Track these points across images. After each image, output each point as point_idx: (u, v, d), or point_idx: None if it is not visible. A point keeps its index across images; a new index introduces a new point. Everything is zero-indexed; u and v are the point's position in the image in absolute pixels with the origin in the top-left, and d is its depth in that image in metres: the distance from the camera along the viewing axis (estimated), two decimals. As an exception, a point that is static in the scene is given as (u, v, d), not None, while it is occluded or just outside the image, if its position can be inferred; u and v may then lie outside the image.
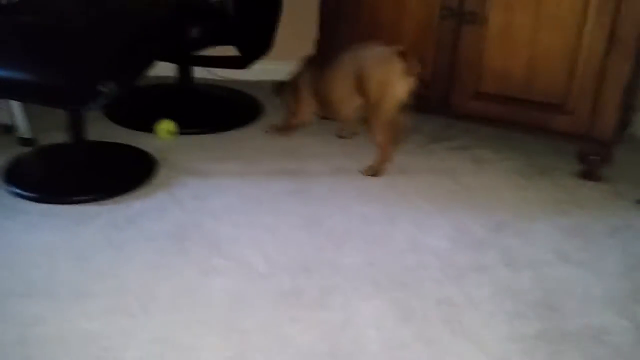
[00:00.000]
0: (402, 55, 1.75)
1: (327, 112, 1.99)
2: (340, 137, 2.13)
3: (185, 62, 2.34)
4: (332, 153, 2.01)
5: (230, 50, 2.17)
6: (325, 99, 1.93)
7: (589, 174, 1.90)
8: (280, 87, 2.14)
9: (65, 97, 1.54)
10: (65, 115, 1.80)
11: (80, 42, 1.55)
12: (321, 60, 1.97)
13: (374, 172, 1.85)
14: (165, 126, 2.06)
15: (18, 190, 1.66)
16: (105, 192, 1.68)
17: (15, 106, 1.97)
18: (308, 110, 2.03)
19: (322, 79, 1.92)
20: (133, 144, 2.00)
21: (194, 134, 2.10)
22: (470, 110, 2.00)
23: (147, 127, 2.09)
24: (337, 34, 2.13)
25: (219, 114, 2.30)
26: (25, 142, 1.97)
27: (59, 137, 1.98)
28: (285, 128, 2.10)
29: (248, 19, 2.08)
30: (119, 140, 2.02)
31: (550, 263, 1.47)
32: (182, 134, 2.09)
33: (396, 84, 1.74)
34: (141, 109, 2.30)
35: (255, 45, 2.19)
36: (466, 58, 1.97)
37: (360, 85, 1.80)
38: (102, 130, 2.09)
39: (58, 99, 1.56)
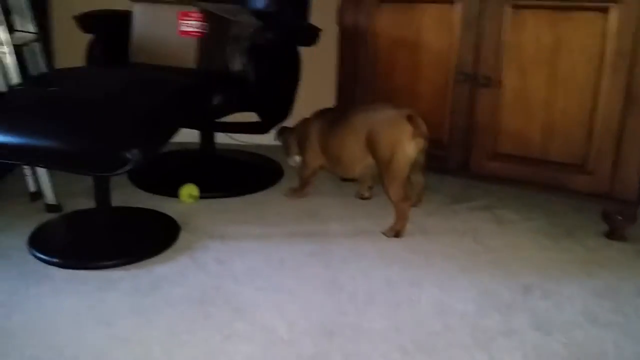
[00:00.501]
0: (410, 118, 1.80)
1: (335, 168, 2.02)
2: (362, 197, 2.15)
3: (208, 129, 2.40)
4: (353, 214, 2.03)
5: (251, 117, 2.23)
6: (335, 155, 1.98)
7: (613, 233, 1.88)
8: (283, 131, 2.19)
9: (93, 164, 1.57)
10: (91, 182, 1.84)
11: (107, 111, 1.60)
12: (332, 115, 2.02)
13: (395, 232, 1.85)
14: (188, 190, 2.10)
15: (43, 256, 1.68)
16: (129, 257, 1.69)
17: (42, 174, 2.02)
18: (315, 160, 2.07)
19: (333, 134, 1.97)
20: (156, 208, 2.03)
21: (216, 198, 2.13)
22: (489, 171, 2.02)
23: (171, 191, 2.13)
24: (353, 98, 2.20)
25: (241, 177, 2.34)
26: (51, 208, 2.01)
27: (85, 203, 2.03)
28: (300, 186, 2.13)
29: (268, 87, 2.15)
30: (142, 205, 2.05)
31: (580, 325, 1.43)
32: (204, 197, 2.12)
33: (405, 145, 1.80)
34: (165, 174, 2.35)
35: (275, 111, 2.25)
36: (482, 120, 2.00)
37: (371, 145, 1.86)
38: (126, 195, 2.13)
39: (86, 166, 1.59)
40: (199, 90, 1.96)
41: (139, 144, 1.54)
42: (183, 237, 1.84)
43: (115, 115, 1.59)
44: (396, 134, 1.80)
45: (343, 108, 2.04)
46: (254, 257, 1.72)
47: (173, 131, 1.73)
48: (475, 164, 2.04)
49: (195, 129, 2.38)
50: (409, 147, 1.79)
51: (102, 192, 1.83)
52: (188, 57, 2.09)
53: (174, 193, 2.12)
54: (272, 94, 2.19)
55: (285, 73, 2.26)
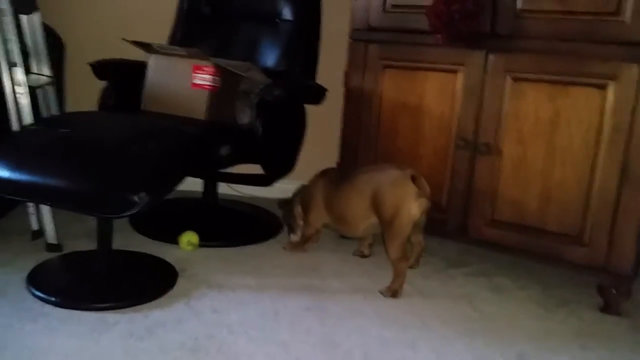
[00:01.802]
0: (414, 178, 1.84)
1: (339, 226, 2.04)
2: (362, 255, 2.17)
3: (212, 178, 2.44)
4: (351, 271, 2.04)
5: (254, 169, 2.27)
6: (339, 214, 2.00)
7: (608, 307, 1.88)
8: (285, 203, 2.21)
9: (100, 205, 1.59)
10: (93, 224, 1.86)
11: (117, 154, 1.63)
12: (337, 175, 2.06)
13: (392, 292, 1.86)
14: (188, 237, 2.11)
15: (40, 294, 1.68)
16: (126, 300, 1.69)
17: (46, 212, 2.03)
18: (319, 219, 2.08)
19: (337, 193, 2.00)
20: (156, 254, 2.04)
21: (215, 247, 2.14)
22: (487, 236, 2.04)
23: (171, 238, 2.14)
24: (356, 156, 2.25)
25: (240, 228, 2.36)
26: (52, 247, 2.02)
27: (85, 244, 2.04)
28: (301, 242, 2.15)
29: (274, 141, 2.20)
30: (142, 250, 2.06)
31: (573, 397, 1.42)
32: (203, 246, 2.13)
33: (410, 204, 1.82)
34: (166, 221, 2.36)
35: (280, 165, 2.29)
36: (481, 186, 2.03)
37: (375, 205, 1.88)
38: (126, 239, 2.14)
39: (92, 206, 1.61)
40: (207, 140, 2.01)
41: (146, 187, 1.57)
42: (180, 284, 1.84)
43: (124, 159, 1.62)
44: (400, 194, 1.83)
45: (347, 168, 2.08)
46: (250, 308, 1.73)
47: (180, 178, 1.76)
48: (473, 229, 2.06)
49: (200, 177, 2.41)
50: (413, 207, 1.82)
51: (104, 234, 1.84)
52: (198, 109, 2.14)
53: (173, 240, 2.13)
54: (278, 147, 2.23)
55: (291, 129, 2.31)
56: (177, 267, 1.94)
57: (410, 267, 1.99)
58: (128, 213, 1.55)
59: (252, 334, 1.58)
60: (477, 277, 2.08)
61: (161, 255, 2.03)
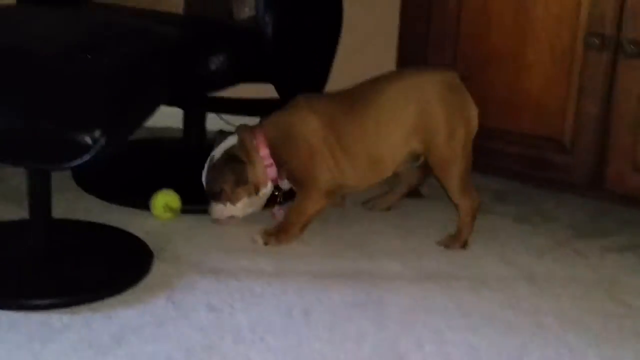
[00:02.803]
0: (465, 79, 1.99)
1: (360, 174, 2.04)
2: (386, 208, 2.26)
3: (198, 107, 2.43)
4: (415, 247, 2.06)
5: (261, 90, 2.26)
6: (365, 153, 2.01)
7: None
8: (232, 159, 2.03)
9: (30, 150, 1.59)
10: (19, 182, 1.88)
11: (57, 74, 1.63)
12: (334, 102, 2.05)
13: (461, 243, 2.04)
14: (165, 200, 2.12)
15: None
16: (78, 294, 1.71)
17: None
18: (331, 176, 2.03)
19: (353, 126, 2.00)
20: (118, 225, 2.04)
21: (204, 213, 2.12)
22: (634, 188, 2.03)
23: (139, 200, 2.15)
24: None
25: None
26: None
27: (9, 212, 2.06)
28: (296, 224, 2.05)
29: (292, 44, 2.17)
30: (97, 220, 2.07)
31: None
32: (188, 211, 2.14)
33: (472, 115, 1.99)
34: (130, 174, 2.37)
35: (302, 82, 2.27)
36: (627, 110, 2.01)
37: (423, 123, 1.98)
38: (72, 203, 2.15)
39: (19, 152, 1.61)
40: (189, 47, 1.99)
41: (102, 123, 1.56)
42: (158, 269, 1.85)
43: (68, 81, 1.62)
44: (461, 102, 1.98)
45: (353, 88, 2.07)
46: (264, 304, 1.74)
47: (151, 107, 1.76)
48: (613, 179, 2.05)
49: (180, 106, 2.41)
50: (475, 119, 1.98)
51: (39, 195, 1.83)
52: (173, -2, 2.12)
53: (144, 203, 2.14)
54: (298, 54, 2.20)
55: (319, 23, 2.27)
56: (150, 245, 1.94)
57: (387, 210, 2.23)
58: (76, 162, 1.56)
59: (270, 342, 1.59)
60: (621, 253, 2.07)
61: (126, 227, 2.03)
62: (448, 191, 2.04)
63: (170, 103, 2.21)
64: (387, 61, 2.33)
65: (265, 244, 2.02)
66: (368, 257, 1.99)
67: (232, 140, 2.05)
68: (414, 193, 2.26)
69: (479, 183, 2.17)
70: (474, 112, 1.99)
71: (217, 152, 2.05)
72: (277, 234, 2.03)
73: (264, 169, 2.02)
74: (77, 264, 1.87)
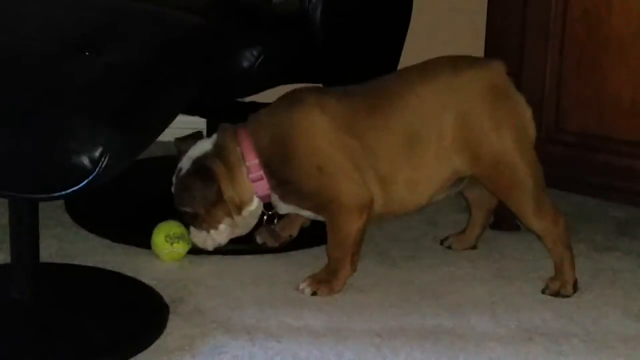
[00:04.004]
0: (511, 74, 1.98)
1: (389, 200, 1.93)
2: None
3: (224, 116, 2.33)
4: (505, 297, 1.96)
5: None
6: (387, 172, 1.90)
7: None
8: (204, 171, 1.93)
9: (16, 175, 1.52)
10: (4, 214, 1.83)
11: (51, 75, 1.58)
12: (349, 101, 1.93)
13: (571, 287, 1.91)
14: (163, 231, 2.06)
15: None
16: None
17: None
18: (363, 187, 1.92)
19: (377, 130, 1.90)
20: (123, 270, 2.01)
21: (232, 253, 2.08)
22: None
23: (149, 238, 2.11)
24: (520, 65, 2.17)
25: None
26: None
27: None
28: (336, 266, 1.95)
29: (350, 30, 2.15)
30: (96, 264, 2.04)
31: None
32: (209, 251, 2.06)
33: (526, 119, 1.93)
34: (138, 204, 2.37)
35: (362, 80, 2.23)
36: None
37: (467, 133, 1.90)
38: (64, 243, 2.13)
39: (0, 178, 1.55)
40: (214, 39, 1.94)
41: (104, 140, 1.49)
42: (176, 327, 1.79)
43: (60, 87, 1.57)
44: (509, 105, 1.91)
45: (371, 83, 1.97)
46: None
47: (166, 117, 1.72)
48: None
49: (201, 115, 2.40)
50: (531, 122, 1.94)
51: (25, 234, 1.79)
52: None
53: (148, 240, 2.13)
54: (356, 44, 2.18)
55: (381, 11, 2.24)
56: (165, 295, 1.89)
57: (472, 248, 2.15)
58: (69, 191, 1.48)
59: None
60: None
61: (134, 273, 1.99)
62: (518, 217, 2.01)
63: (190, 111, 2.21)
64: (472, 50, 2.20)
65: (314, 293, 1.94)
66: (449, 310, 1.91)
67: (205, 145, 1.94)
68: (509, 224, 2.18)
69: (595, 211, 2.18)
70: (528, 114, 1.95)
71: (185, 161, 1.95)
72: (328, 280, 1.95)
73: (249, 185, 1.91)
74: (71, 322, 1.81)
